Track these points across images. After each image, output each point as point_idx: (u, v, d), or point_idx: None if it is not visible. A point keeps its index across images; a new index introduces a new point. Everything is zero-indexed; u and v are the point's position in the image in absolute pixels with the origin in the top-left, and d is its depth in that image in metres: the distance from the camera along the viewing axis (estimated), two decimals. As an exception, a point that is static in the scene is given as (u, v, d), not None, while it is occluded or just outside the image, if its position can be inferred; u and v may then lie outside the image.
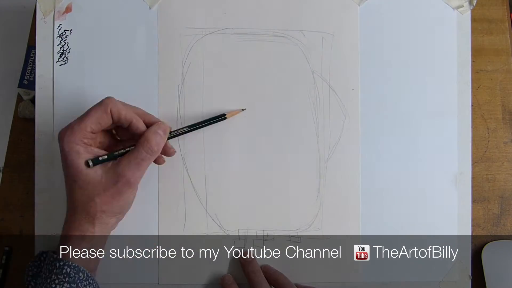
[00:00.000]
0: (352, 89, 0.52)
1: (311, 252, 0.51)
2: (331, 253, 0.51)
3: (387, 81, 0.52)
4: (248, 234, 0.51)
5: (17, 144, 0.57)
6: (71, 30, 0.52)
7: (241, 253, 0.50)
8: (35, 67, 0.54)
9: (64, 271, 0.42)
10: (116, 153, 0.44)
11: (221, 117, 0.49)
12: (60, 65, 0.52)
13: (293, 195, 0.51)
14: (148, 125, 0.46)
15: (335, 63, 0.52)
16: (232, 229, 0.51)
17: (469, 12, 0.52)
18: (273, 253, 0.51)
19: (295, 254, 0.51)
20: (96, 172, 0.43)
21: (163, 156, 0.48)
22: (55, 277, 0.42)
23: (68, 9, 0.52)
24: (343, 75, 0.52)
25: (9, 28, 0.63)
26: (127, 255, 0.50)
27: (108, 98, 0.44)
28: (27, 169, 0.55)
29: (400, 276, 0.51)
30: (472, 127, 0.52)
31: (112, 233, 0.51)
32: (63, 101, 0.51)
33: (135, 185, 0.44)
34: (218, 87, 0.51)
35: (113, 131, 0.47)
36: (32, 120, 0.52)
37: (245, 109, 0.50)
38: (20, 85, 0.56)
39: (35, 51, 0.54)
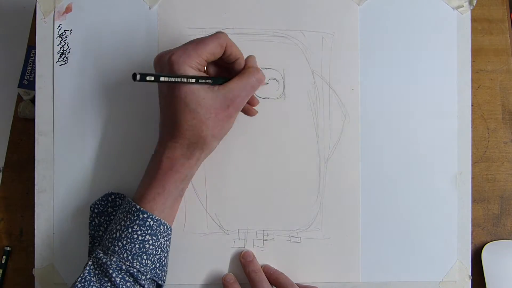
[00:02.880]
0: (352, 89, 0.52)
1: (311, 252, 0.51)
2: (331, 253, 0.51)
3: (387, 81, 0.52)
4: (248, 234, 0.51)
5: (17, 144, 0.57)
6: (71, 30, 0.52)
7: (241, 253, 0.50)
8: (35, 67, 0.54)
9: (148, 223, 0.43)
10: (218, 78, 0.44)
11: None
12: (60, 65, 0.52)
13: (293, 195, 0.51)
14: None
15: (335, 63, 0.52)
16: (232, 229, 0.51)
17: (469, 12, 0.52)
18: (273, 253, 0.51)
19: (295, 254, 0.51)
20: (208, 96, 0.43)
21: (253, 108, 0.50)
22: (138, 228, 0.43)
23: (68, 9, 0.52)
24: (343, 75, 0.52)
25: (9, 28, 0.63)
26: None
27: (222, 32, 0.44)
28: (27, 169, 0.55)
29: (400, 276, 0.51)
30: (472, 127, 0.52)
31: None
32: (63, 101, 0.51)
33: (240, 109, 0.46)
34: (218, 87, 0.51)
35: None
36: (32, 120, 0.52)
37: (267, 83, 0.51)
38: (20, 85, 0.56)
39: (35, 51, 0.54)
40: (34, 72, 0.54)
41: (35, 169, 0.51)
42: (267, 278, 0.49)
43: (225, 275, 0.50)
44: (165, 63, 0.42)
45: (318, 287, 0.49)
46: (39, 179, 0.51)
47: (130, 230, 0.43)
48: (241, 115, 0.50)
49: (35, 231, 0.51)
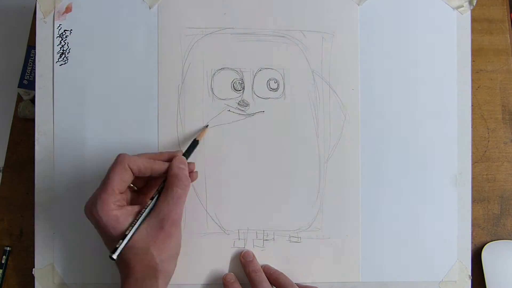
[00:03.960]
0: (352, 89, 0.52)
1: (311, 252, 0.51)
2: (331, 253, 0.51)
3: (387, 81, 0.52)
4: (248, 234, 0.51)
5: (17, 144, 0.57)
6: (71, 30, 0.52)
7: (241, 253, 0.50)
8: (35, 67, 0.54)
9: None
10: (137, 219, 0.43)
11: (195, 144, 0.49)
12: (60, 65, 0.52)
13: (293, 195, 0.51)
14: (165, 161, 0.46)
15: (335, 63, 0.52)
16: (232, 229, 0.51)
17: (469, 12, 0.52)
18: (273, 253, 0.51)
19: (295, 254, 0.51)
20: (142, 229, 0.43)
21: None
22: None
23: (68, 9, 0.52)
24: (343, 75, 0.52)
25: (9, 28, 0.63)
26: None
27: (120, 155, 0.44)
28: (27, 169, 0.55)
29: (400, 276, 0.51)
30: (472, 127, 0.52)
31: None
32: (63, 101, 0.51)
33: (179, 223, 0.44)
34: (218, 87, 0.51)
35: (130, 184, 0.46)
36: (32, 120, 0.52)
37: (207, 125, 0.50)
38: (20, 85, 0.56)
39: (35, 51, 0.54)
40: (34, 72, 0.54)
41: (35, 169, 0.51)
42: (267, 278, 0.49)
43: (225, 275, 0.50)
44: (90, 219, 0.43)
45: (318, 287, 0.49)
46: (39, 179, 0.51)
47: None
48: (237, 117, 0.50)
49: (35, 231, 0.51)
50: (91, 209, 0.42)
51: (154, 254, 0.42)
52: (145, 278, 0.42)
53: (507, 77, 0.57)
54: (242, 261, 0.50)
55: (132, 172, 0.44)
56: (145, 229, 0.43)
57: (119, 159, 0.43)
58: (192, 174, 0.48)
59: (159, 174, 0.45)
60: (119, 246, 0.41)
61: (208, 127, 0.50)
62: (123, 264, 0.43)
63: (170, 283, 0.50)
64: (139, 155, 0.45)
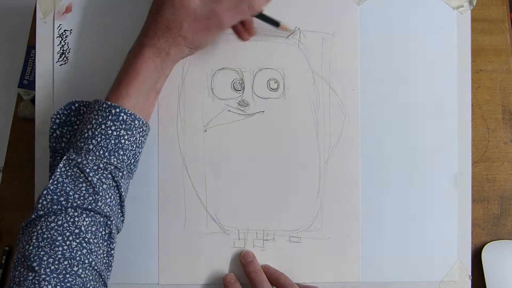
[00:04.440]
0: (352, 89, 0.52)
1: (311, 252, 0.51)
2: (331, 253, 0.51)
3: (387, 81, 0.52)
4: (248, 234, 0.51)
5: (17, 144, 0.57)
6: (71, 30, 0.52)
7: (241, 253, 0.50)
8: (35, 67, 0.54)
9: (121, 118, 0.42)
10: None
11: (275, 24, 0.49)
12: (60, 65, 0.52)
13: (293, 195, 0.51)
14: None
15: (335, 63, 0.52)
16: (232, 229, 0.51)
17: (469, 12, 0.52)
18: (273, 253, 0.51)
19: (295, 254, 0.51)
20: (196, 1, 0.43)
21: (247, 36, 0.49)
22: (111, 124, 0.42)
23: (68, 9, 0.52)
24: (343, 75, 0.52)
25: (9, 28, 0.63)
26: (127, 255, 0.50)
27: None
28: (27, 169, 0.55)
29: (400, 276, 0.51)
30: (472, 127, 0.52)
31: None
32: (63, 101, 0.51)
33: (224, 29, 0.45)
34: (218, 87, 0.51)
35: None
36: (32, 120, 0.52)
37: (295, 27, 0.51)
38: (20, 85, 0.56)
39: (35, 51, 0.54)
40: (34, 72, 0.54)
41: (35, 169, 0.51)
42: (268, 278, 0.49)
43: (226, 275, 0.50)
44: None
45: (318, 287, 0.49)
46: (39, 179, 0.51)
47: (103, 126, 0.42)
48: (237, 117, 0.50)
49: (35, 231, 0.51)
50: None
51: (183, 26, 0.43)
52: (162, 35, 0.43)
53: (507, 77, 0.57)
54: (242, 261, 0.50)
55: None
56: (197, 5, 0.43)
57: None
58: (252, 27, 0.49)
59: None
60: None
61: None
62: (155, 13, 0.43)
63: (170, 283, 0.50)
64: None
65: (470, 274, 0.51)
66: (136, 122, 0.43)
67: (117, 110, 0.42)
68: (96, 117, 0.42)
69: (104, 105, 0.43)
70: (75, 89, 0.51)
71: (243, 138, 0.51)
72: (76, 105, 0.46)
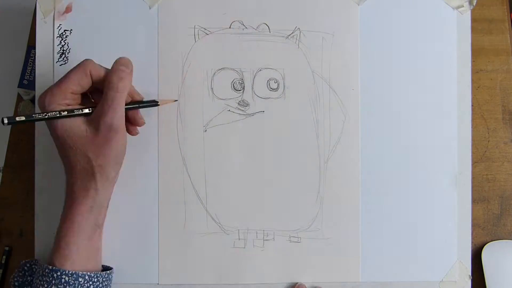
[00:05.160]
0: (352, 89, 0.52)
1: (311, 252, 0.51)
2: (331, 253, 0.51)
3: (387, 81, 0.52)
4: (248, 234, 0.51)
5: (17, 144, 0.57)
6: (71, 30, 0.52)
7: (295, 285, 0.50)
8: (35, 67, 0.54)
9: (63, 280, 0.42)
10: (73, 110, 0.43)
11: (152, 103, 0.48)
12: (60, 65, 0.52)
13: (293, 195, 0.51)
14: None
15: (335, 63, 0.52)
16: (232, 229, 0.51)
17: (469, 12, 0.52)
18: (273, 253, 0.51)
19: (295, 254, 0.51)
20: (80, 127, 0.43)
21: (137, 127, 0.49)
22: None
23: (68, 9, 0.52)
24: (343, 75, 0.52)
25: (9, 28, 0.63)
26: (127, 255, 0.50)
27: (87, 60, 0.44)
28: (27, 169, 0.55)
29: (400, 276, 0.51)
30: (472, 127, 0.52)
31: (112, 233, 0.51)
32: (63, 101, 0.51)
33: (119, 129, 0.44)
34: (218, 87, 0.51)
35: (89, 94, 0.47)
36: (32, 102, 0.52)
37: (176, 100, 0.50)
38: (20, 85, 0.56)
39: (35, 51, 0.54)
40: (34, 72, 0.54)
41: (35, 169, 0.51)
42: None
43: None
44: (39, 105, 0.43)
45: None
46: (39, 179, 0.51)
47: None
48: (237, 117, 0.50)
49: (35, 231, 0.51)
50: (41, 99, 0.43)
51: (90, 158, 0.43)
52: (83, 178, 0.44)
53: (507, 77, 0.57)
54: None
55: (91, 79, 0.44)
56: (85, 131, 0.43)
57: (83, 63, 0.44)
58: (138, 118, 0.48)
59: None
60: (19, 115, 0.42)
61: (176, 101, 0.50)
62: (67, 162, 0.44)
63: (170, 283, 0.50)
64: (106, 68, 0.45)
65: (470, 274, 0.51)
66: (80, 279, 0.43)
67: (58, 273, 0.42)
68: (42, 282, 0.43)
69: (46, 270, 0.43)
70: (75, 89, 0.51)
71: (243, 138, 0.51)
72: (28, 265, 0.47)
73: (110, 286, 0.46)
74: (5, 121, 0.41)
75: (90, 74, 0.44)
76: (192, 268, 0.51)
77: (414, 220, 0.51)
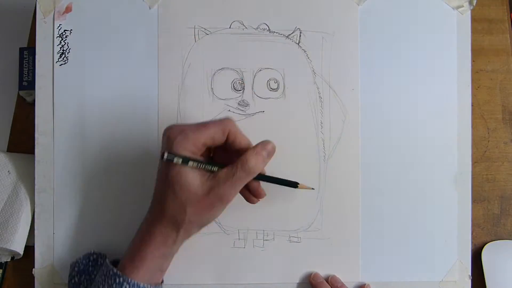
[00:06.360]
0: (352, 89, 0.52)
1: (311, 252, 0.51)
2: (331, 253, 0.51)
3: (387, 81, 0.52)
4: (248, 234, 0.51)
5: (17, 144, 0.57)
6: (71, 30, 0.52)
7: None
8: (31, 68, 0.54)
9: (124, 287, 0.42)
10: (212, 167, 0.42)
11: (293, 185, 0.47)
12: (60, 65, 0.52)
13: (293, 195, 0.51)
14: None
15: (335, 63, 0.52)
16: (232, 229, 0.51)
17: (469, 12, 0.52)
18: (273, 253, 0.51)
19: (295, 254, 0.51)
20: (195, 182, 0.42)
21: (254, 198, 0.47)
22: None
23: (68, 9, 0.52)
24: (343, 75, 0.52)
25: (9, 28, 0.63)
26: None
27: (229, 120, 0.43)
28: (27, 169, 0.55)
29: (400, 276, 0.51)
30: (472, 127, 0.52)
31: (112, 234, 0.51)
32: (63, 101, 0.51)
33: (228, 202, 0.43)
34: (218, 87, 0.51)
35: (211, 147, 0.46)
36: (32, 114, 0.52)
37: (313, 188, 0.50)
38: (21, 87, 0.56)
39: (28, 52, 0.55)
40: (32, 73, 0.54)
41: (35, 169, 0.51)
42: None
43: (313, 274, 0.50)
44: (165, 139, 0.42)
45: None
46: (39, 179, 0.51)
47: None
48: (237, 117, 0.50)
49: (35, 231, 0.51)
50: (173, 135, 0.41)
51: (187, 212, 0.42)
52: (167, 226, 0.43)
53: (507, 77, 0.57)
54: (313, 283, 0.50)
55: (227, 139, 0.43)
56: (196, 186, 0.42)
57: (224, 121, 0.43)
58: (260, 190, 0.46)
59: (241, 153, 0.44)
60: (176, 157, 0.41)
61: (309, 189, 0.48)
62: (159, 203, 0.43)
63: (170, 283, 0.50)
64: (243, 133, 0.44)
65: (470, 274, 0.51)
66: None
67: (121, 279, 0.43)
68: (104, 282, 0.43)
69: (111, 272, 0.43)
70: (75, 89, 0.51)
71: (243, 138, 0.51)
72: (95, 256, 0.48)
73: None
74: (165, 156, 0.40)
75: (228, 135, 0.43)
76: (192, 268, 0.51)
77: (414, 220, 0.51)
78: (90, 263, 0.48)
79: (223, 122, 0.42)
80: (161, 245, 0.43)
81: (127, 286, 0.42)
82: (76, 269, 0.48)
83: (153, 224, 0.43)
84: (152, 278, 0.44)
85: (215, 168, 0.42)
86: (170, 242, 0.44)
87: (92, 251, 0.48)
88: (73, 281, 0.48)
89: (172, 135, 0.42)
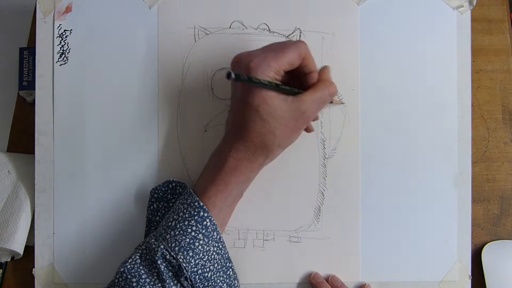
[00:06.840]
0: (352, 89, 0.52)
1: (311, 252, 0.51)
2: (331, 253, 0.51)
3: (387, 81, 0.52)
4: (248, 234, 0.51)
5: (17, 144, 0.57)
6: (71, 30, 0.52)
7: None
8: (31, 68, 0.54)
9: (205, 223, 0.43)
10: (296, 89, 0.43)
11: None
12: (60, 65, 0.52)
13: (293, 195, 0.51)
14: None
15: (335, 63, 0.52)
16: (232, 229, 0.51)
17: (469, 12, 0.52)
18: (273, 253, 0.51)
19: (295, 254, 0.51)
20: (282, 107, 0.42)
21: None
22: (194, 223, 0.42)
23: (68, 9, 0.52)
24: (343, 75, 0.52)
25: (9, 28, 0.63)
26: (127, 254, 0.50)
27: (303, 42, 0.43)
28: (27, 169, 0.55)
29: (400, 276, 0.51)
30: (472, 127, 0.52)
31: (112, 234, 0.51)
32: (63, 101, 0.51)
33: (309, 122, 0.46)
34: (218, 87, 0.51)
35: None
36: (32, 113, 0.52)
37: (343, 103, 0.51)
38: (21, 87, 0.56)
39: (27, 52, 0.55)
40: (31, 73, 0.54)
41: (35, 169, 0.51)
42: None
43: (313, 274, 0.50)
44: (242, 68, 0.42)
45: None
46: (39, 179, 0.51)
47: (186, 222, 0.43)
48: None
49: (35, 231, 0.51)
50: (255, 64, 0.41)
51: (277, 137, 0.43)
52: (255, 152, 0.44)
53: (507, 77, 0.57)
54: (313, 283, 0.50)
55: (301, 62, 0.43)
56: (283, 111, 0.42)
57: (301, 45, 0.43)
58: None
59: (311, 80, 0.45)
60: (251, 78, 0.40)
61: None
62: (246, 130, 0.43)
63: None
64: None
65: (470, 274, 0.51)
66: (215, 234, 0.44)
67: (205, 214, 0.43)
68: (185, 211, 0.43)
69: (196, 204, 0.43)
70: (75, 89, 0.51)
71: (243, 138, 0.51)
72: (173, 184, 0.48)
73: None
74: (232, 76, 0.38)
75: (303, 58, 0.43)
76: (192, 268, 0.51)
77: (414, 220, 0.51)
78: (169, 191, 0.48)
79: (300, 46, 0.43)
80: (247, 171, 0.44)
81: (208, 223, 0.43)
82: (155, 195, 0.48)
83: (238, 150, 0.43)
84: (231, 205, 0.46)
85: (298, 92, 0.43)
86: (256, 167, 0.45)
87: (171, 179, 0.48)
88: (151, 207, 0.48)
89: (254, 64, 0.41)
